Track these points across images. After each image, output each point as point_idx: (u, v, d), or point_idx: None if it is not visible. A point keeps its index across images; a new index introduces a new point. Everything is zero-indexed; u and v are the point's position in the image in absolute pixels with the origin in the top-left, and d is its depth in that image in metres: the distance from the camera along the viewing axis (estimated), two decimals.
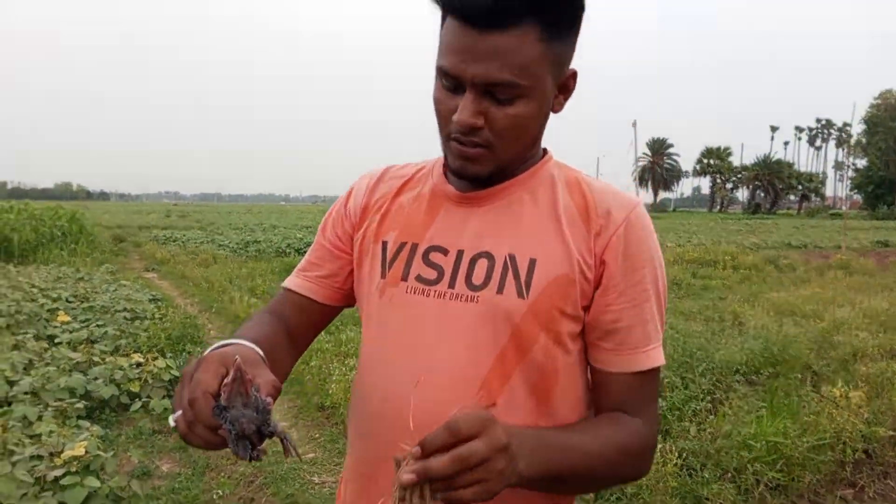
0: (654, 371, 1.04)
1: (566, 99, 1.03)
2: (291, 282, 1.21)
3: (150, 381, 5.12)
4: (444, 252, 1.05)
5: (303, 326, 1.20)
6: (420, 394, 0.99)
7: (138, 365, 5.27)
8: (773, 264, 15.83)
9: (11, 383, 4.67)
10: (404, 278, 1.06)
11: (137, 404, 4.82)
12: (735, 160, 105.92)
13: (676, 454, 3.61)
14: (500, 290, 0.99)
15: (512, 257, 1.01)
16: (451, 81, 0.94)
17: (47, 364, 5.16)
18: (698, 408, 4.46)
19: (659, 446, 3.65)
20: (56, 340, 6.13)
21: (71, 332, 6.35)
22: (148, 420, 4.70)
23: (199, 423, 0.78)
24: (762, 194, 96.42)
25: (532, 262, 1.00)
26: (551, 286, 0.99)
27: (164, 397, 4.93)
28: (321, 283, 1.19)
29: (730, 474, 3.61)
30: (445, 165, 1.10)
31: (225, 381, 0.77)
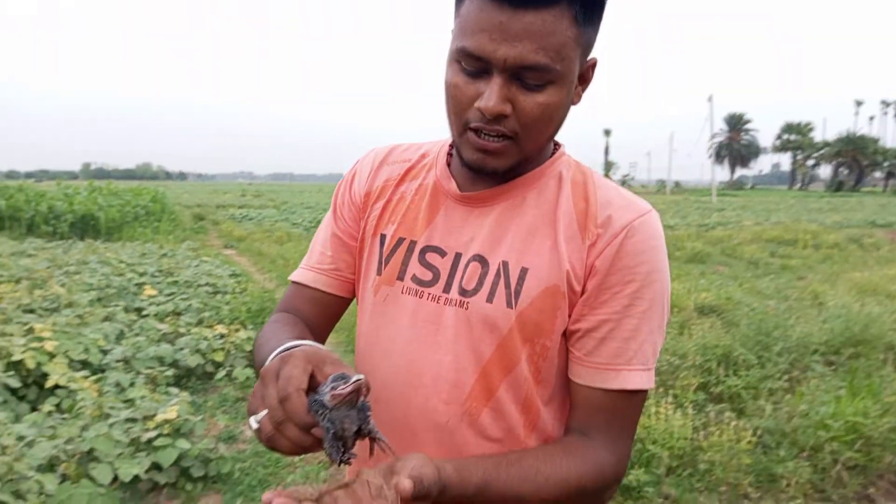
0: (630, 395, 0.95)
1: (584, 90, 0.95)
2: (305, 276, 1.14)
3: (233, 352, 5.34)
4: (442, 254, 1.00)
5: (321, 321, 1.14)
6: (408, 399, 0.99)
7: (221, 336, 5.50)
8: (857, 243, 15.27)
9: (105, 352, 4.96)
10: (400, 277, 1.02)
11: (221, 373, 5.03)
12: (817, 136, 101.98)
13: (751, 432, 3.58)
14: (489, 299, 0.95)
15: (505, 265, 0.95)
16: (474, 65, 0.85)
17: (137, 335, 5.45)
18: (774, 387, 4.40)
19: (733, 423, 3.63)
20: (143, 313, 6.45)
21: (157, 305, 6.66)
22: (232, 388, 4.91)
23: (290, 423, 0.72)
24: (845, 171, 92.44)
25: (524, 272, 0.94)
26: (540, 298, 0.94)
27: (245, 366, 5.13)
28: (335, 275, 1.13)
29: (806, 453, 3.56)
30: (450, 155, 1.05)
31: (339, 389, 0.71)
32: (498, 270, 0.95)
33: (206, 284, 7.98)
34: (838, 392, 4.11)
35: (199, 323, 6.15)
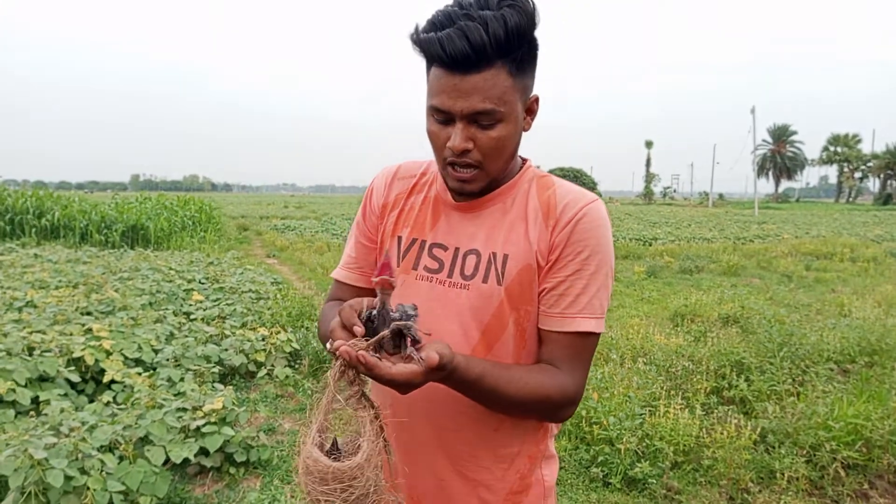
0: (583, 335, 1.23)
1: (533, 119, 1.26)
2: (342, 274, 1.47)
3: (274, 353, 5.71)
4: (444, 248, 1.31)
5: None
6: None
7: (263, 338, 5.88)
8: None
9: (157, 351, 5.37)
10: (415, 268, 1.32)
11: (263, 372, 5.41)
12: (866, 147, 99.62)
13: (750, 430, 3.81)
14: (485, 280, 1.25)
15: (493, 254, 1.26)
16: (442, 116, 1.16)
17: (186, 336, 5.85)
18: (778, 389, 4.61)
19: (734, 422, 3.86)
20: (192, 316, 6.87)
21: (204, 310, 7.08)
22: (272, 385, 5.28)
23: (342, 322, 1.04)
24: (895, 184, 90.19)
25: (505, 257, 1.25)
26: (519, 274, 1.24)
27: (285, 366, 5.51)
28: (361, 272, 1.44)
29: (805, 451, 3.76)
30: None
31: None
32: (489, 259, 1.26)
33: (250, 291, 8.39)
34: (846, 397, 4.29)
35: (243, 326, 6.54)
